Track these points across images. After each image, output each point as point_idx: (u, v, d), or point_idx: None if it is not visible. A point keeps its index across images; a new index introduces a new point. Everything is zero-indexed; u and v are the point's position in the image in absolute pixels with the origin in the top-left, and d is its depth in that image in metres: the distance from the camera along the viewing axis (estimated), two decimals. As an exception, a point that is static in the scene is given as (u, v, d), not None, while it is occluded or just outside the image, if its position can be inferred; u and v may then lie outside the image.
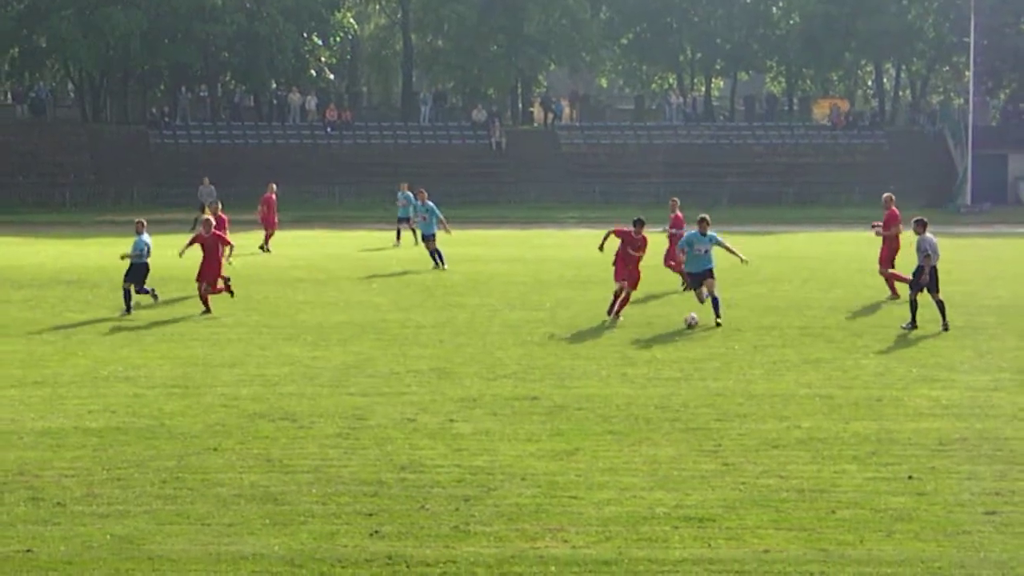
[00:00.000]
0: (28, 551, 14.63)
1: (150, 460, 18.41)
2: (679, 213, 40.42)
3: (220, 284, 34.33)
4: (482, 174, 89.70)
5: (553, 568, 14.17)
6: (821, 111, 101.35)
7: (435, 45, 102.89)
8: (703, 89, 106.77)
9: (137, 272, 34.37)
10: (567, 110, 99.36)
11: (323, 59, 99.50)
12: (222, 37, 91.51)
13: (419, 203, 49.16)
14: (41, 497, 16.58)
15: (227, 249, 34.76)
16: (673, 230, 39.34)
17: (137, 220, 35.83)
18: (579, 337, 29.17)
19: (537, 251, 52.56)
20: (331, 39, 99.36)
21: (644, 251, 32.34)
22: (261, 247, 52.09)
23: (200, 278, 33.89)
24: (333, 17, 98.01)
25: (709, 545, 14.89)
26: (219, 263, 34.09)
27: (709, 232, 32.17)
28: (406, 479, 17.44)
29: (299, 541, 14.98)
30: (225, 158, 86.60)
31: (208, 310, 33.36)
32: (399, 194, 57.47)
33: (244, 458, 18.54)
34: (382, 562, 14.36)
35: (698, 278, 31.98)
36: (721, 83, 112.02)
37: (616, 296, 31.98)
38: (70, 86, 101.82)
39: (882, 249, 36.32)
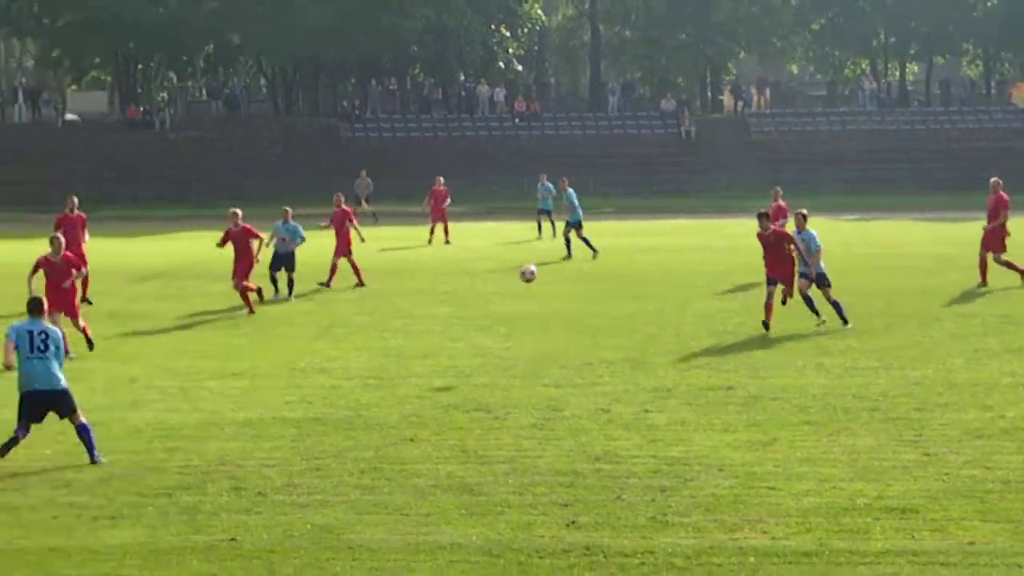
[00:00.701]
0: (232, 539, 14.85)
1: (348, 451, 18.58)
2: (781, 203, 39.54)
3: (252, 284, 33.22)
4: (671, 163, 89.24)
5: (752, 559, 14.01)
6: (1020, 95, 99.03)
7: (623, 35, 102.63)
8: (897, 74, 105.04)
9: (281, 260, 35.28)
10: (757, 97, 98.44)
11: (511, 51, 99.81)
12: (411, 30, 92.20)
13: (561, 192, 48.30)
14: (243, 487, 16.82)
15: (257, 243, 33.43)
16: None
17: (284, 208, 36.62)
18: (772, 327, 28.79)
19: (728, 240, 52.15)
20: (519, 30, 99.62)
21: (789, 244, 28.43)
22: (432, 241, 52.47)
23: (234, 275, 33.02)
24: (521, 8, 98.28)
25: (912, 536, 14.60)
26: (251, 258, 33.05)
27: (807, 229, 28.95)
28: (601, 469, 17.38)
29: (496, 531, 15.00)
30: (414, 151, 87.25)
31: (251, 309, 32.62)
32: (539, 185, 55.80)
33: (440, 449, 18.63)
34: (579, 552, 14.31)
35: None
36: (916, 68, 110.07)
37: (772, 299, 28.45)
38: (263, 81, 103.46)
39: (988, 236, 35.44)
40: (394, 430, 19.78)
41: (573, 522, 15.25)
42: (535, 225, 53.94)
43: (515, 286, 37.39)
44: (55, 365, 18.08)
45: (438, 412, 20.99)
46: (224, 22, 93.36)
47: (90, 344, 27.00)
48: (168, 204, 78.82)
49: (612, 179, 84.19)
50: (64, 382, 18.17)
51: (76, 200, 35.75)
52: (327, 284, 37.22)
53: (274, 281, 35.80)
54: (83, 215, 35.33)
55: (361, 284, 37.36)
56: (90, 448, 18.07)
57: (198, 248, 48.40)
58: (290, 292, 35.60)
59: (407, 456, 18.23)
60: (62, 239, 27.38)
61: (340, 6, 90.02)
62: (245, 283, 32.81)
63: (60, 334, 18.49)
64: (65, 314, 26.35)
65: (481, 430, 19.71)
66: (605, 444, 18.71)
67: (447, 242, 52.47)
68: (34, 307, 18.44)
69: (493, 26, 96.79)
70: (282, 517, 15.61)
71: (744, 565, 13.88)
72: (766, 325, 28.16)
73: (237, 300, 34.17)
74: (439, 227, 53.42)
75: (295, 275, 35.74)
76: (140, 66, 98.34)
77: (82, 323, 27.06)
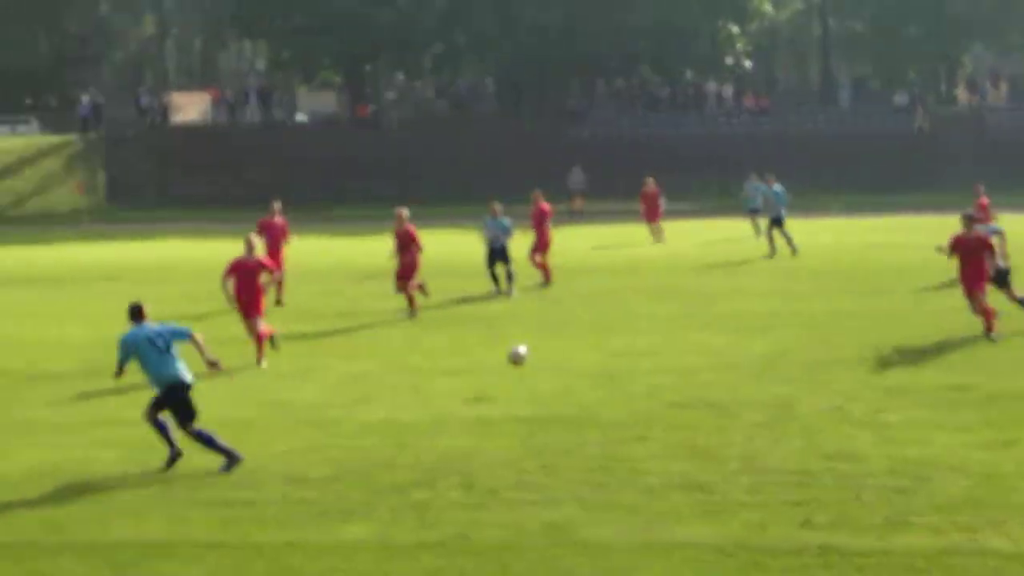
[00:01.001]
0: (463, 536, 14.88)
1: (577, 448, 18.51)
2: (984, 199, 38.41)
3: (416, 282, 32.42)
4: (904, 159, 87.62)
5: (993, 562, 13.62)
6: None
7: (854, 29, 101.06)
8: None
9: (496, 255, 35.60)
10: (994, 91, 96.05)
11: (739, 46, 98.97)
12: (637, 28, 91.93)
13: (768, 188, 47.51)
14: (473, 484, 16.85)
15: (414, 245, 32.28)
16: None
17: (492, 204, 36.63)
18: (1009, 326, 28.00)
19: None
20: (747, 26, 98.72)
21: (986, 249, 26.65)
22: (657, 240, 52.16)
23: (399, 277, 32.24)
24: (749, 4, 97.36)
25: None
26: (413, 259, 32.14)
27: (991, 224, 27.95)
28: (835, 468, 17.06)
29: (729, 530, 14.81)
30: (642, 149, 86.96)
31: (413, 310, 32.05)
32: (747, 185, 53.99)
33: (669, 447, 18.47)
34: (814, 552, 14.05)
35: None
36: None
37: (979, 312, 27.12)
38: (489, 81, 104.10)
39: None
40: (623, 428, 19.66)
41: (807, 521, 14.99)
42: (753, 224, 53.03)
43: (739, 283, 37.07)
44: (180, 362, 18.21)
45: (667, 410, 20.82)
46: (451, 22, 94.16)
47: (271, 342, 26.38)
48: (395, 203, 79.65)
49: (843, 174, 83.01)
50: (190, 378, 18.22)
51: (279, 206, 36.60)
52: (546, 283, 37.30)
53: (494, 277, 35.95)
54: (285, 221, 36.03)
55: (548, 282, 37.43)
56: (216, 447, 18.06)
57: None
58: (510, 284, 35.72)
59: (637, 454, 18.11)
60: (254, 241, 26.90)
61: (567, 5, 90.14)
62: (413, 283, 32.17)
63: (173, 329, 18.46)
64: (247, 316, 26.05)
65: (710, 428, 19.50)
66: (838, 443, 18.38)
67: (658, 242, 52.07)
68: (135, 313, 18.43)
69: (721, 22, 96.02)
70: (513, 514, 15.60)
71: (985, 568, 13.50)
72: (989, 329, 26.79)
73: (463, 297, 34.43)
74: (653, 227, 53.13)
75: (514, 267, 35.97)
76: (369, 66, 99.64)
77: (265, 328, 26.19)
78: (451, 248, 46.69)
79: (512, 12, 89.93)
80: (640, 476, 16.98)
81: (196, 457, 18.19)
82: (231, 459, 17.84)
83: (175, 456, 17.93)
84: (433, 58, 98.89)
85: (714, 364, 24.71)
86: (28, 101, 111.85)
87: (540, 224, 37.97)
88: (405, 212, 32.86)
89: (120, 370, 18.33)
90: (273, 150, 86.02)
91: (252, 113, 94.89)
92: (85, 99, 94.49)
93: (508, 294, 35.38)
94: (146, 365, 18.05)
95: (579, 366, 24.87)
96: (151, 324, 18.34)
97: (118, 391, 23.03)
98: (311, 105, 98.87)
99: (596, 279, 37.96)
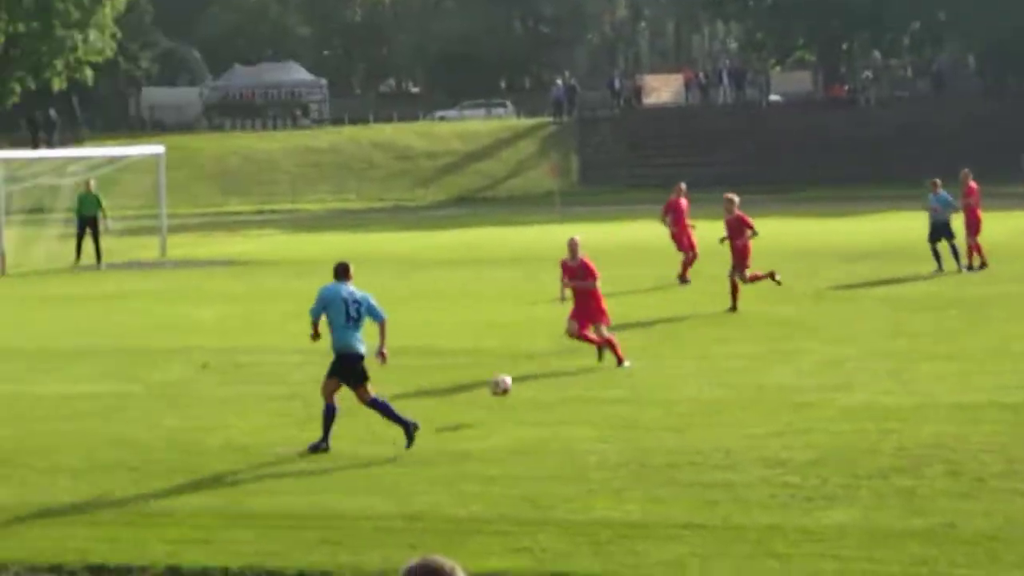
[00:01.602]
0: (950, 524, 14.29)
1: (1071, 438, 17.61)
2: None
3: (760, 272, 30.76)
4: None
5: None
6: None
7: None
8: None
9: (938, 230, 35.61)
10: None
11: None
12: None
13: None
14: (960, 471, 16.20)
15: (749, 232, 30.68)
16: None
17: (933, 180, 36.05)
18: None
19: None
20: None
21: None
22: None
23: (734, 267, 30.47)
24: None
25: None
26: (744, 248, 30.38)
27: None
28: None
29: None
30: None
31: (733, 306, 30.17)
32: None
33: None
34: None
35: None
36: None
37: None
38: (971, 58, 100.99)
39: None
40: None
41: None
42: None
43: None
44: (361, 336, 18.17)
45: None
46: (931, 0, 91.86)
47: (619, 361, 23.72)
48: (868, 184, 78.18)
49: None
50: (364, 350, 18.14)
51: (684, 186, 37.38)
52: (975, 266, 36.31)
53: (935, 253, 35.84)
54: (689, 201, 36.98)
55: (983, 265, 36.24)
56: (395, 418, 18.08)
57: (899, 228, 47.61)
58: (957, 259, 35.79)
59: None
60: (576, 240, 24.69)
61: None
62: (749, 274, 30.64)
63: (372, 305, 18.34)
64: (594, 323, 23.87)
65: None
66: None
67: None
68: (340, 272, 18.43)
69: None
70: (1002, 504, 14.91)
71: None
72: None
73: (949, 282, 33.47)
74: None
75: (956, 242, 35.89)
76: (844, 45, 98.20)
77: (607, 334, 23.88)
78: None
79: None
80: None
81: (670, 439, 18.13)
82: (407, 428, 17.99)
83: (410, 430, 18.03)
84: (911, 35, 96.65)
85: None
86: (503, 85, 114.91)
87: (971, 203, 37.00)
88: (735, 198, 31.89)
89: (315, 329, 18.41)
90: (745, 131, 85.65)
91: (725, 94, 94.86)
92: (559, 82, 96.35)
93: (962, 269, 35.60)
94: (331, 324, 18.13)
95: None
96: (353, 288, 18.39)
97: (591, 369, 23.23)
98: (784, 85, 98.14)
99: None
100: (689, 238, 36.01)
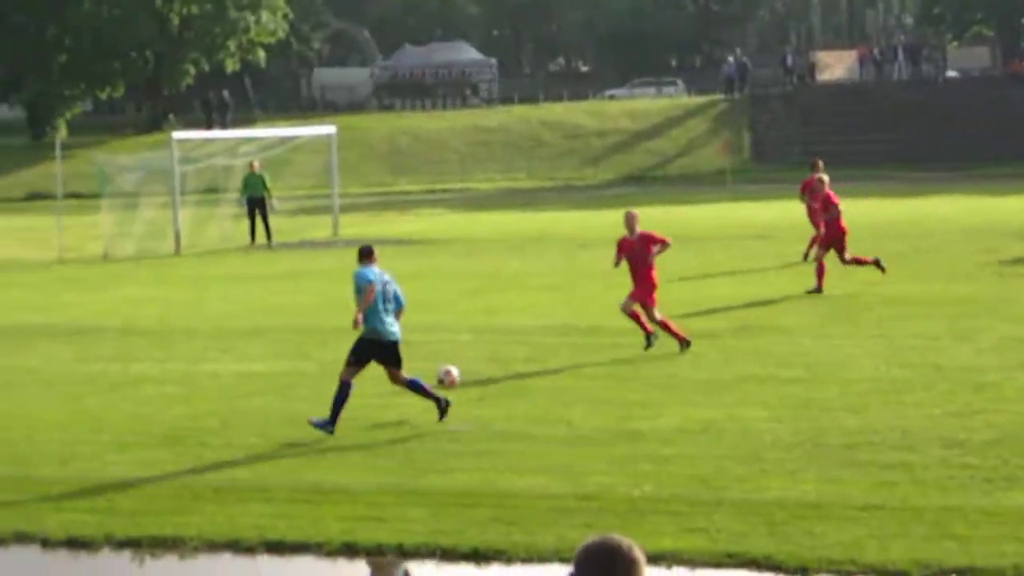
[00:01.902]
0: None
1: None
2: None
3: (866, 258, 29.84)
4: None
5: None
6: None
7: None
8: None
9: None
10: None
11: None
12: None
13: None
14: None
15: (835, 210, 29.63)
16: None
17: None
18: None
19: None
20: None
21: None
22: None
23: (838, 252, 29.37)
24: None
25: None
26: (838, 226, 29.30)
27: None
28: None
29: None
30: None
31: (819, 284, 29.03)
32: None
33: None
34: None
35: None
36: None
37: None
38: None
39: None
40: None
41: None
42: None
43: None
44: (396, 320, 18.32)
45: None
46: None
47: (683, 343, 23.08)
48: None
49: None
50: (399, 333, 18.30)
51: (821, 163, 35.49)
52: None
53: None
54: (823, 177, 34.99)
55: None
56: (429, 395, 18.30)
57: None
58: None
59: None
60: (635, 215, 23.31)
61: None
62: (849, 256, 29.60)
63: (398, 293, 18.51)
64: (642, 303, 23.04)
65: None
66: None
67: None
68: (365, 254, 18.49)
69: None
70: None
71: None
72: None
73: None
74: None
75: None
76: None
77: (659, 316, 23.10)
78: None
79: None
80: None
81: (847, 418, 17.86)
82: (439, 403, 18.30)
83: (443, 405, 18.29)
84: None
85: None
86: (673, 62, 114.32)
87: None
88: (825, 176, 30.92)
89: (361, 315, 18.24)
90: (921, 107, 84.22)
91: (900, 70, 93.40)
92: (730, 59, 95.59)
93: None
94: (368, 308, 18.13)
95: None
96: (383, 272, 18.57)
97: (765, 352, 22.94)
98: (960, 61, 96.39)
99: None
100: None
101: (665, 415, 18.60)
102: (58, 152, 50.94)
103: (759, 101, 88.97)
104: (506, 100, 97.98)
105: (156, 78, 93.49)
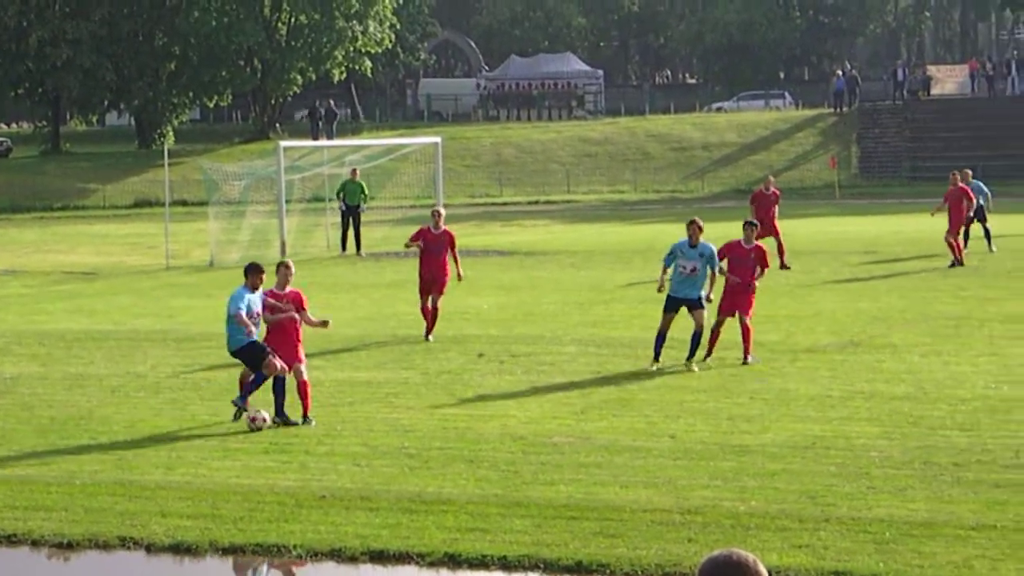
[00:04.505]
0: None
1: None
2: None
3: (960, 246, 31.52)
4: None
5: None
6: None
7: None
8: None
9: None
10: None
11: None
12: None
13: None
14: None
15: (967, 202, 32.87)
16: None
17: None
18: None
19: None
20: None
21: None
22: None
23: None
24: None
25: None
26: (960, 214, 30.95)
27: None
28: None
29: None
30: None
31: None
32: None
33: None
34: None
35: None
36: None
37: None
38: None
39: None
40: None
41: None
42: None
43: None
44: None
45: None
46: None
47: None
48: None
49: None
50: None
51: (969, 172, 38.07)
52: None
53: None
54: (777, 192, 39.35)
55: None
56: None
57: None
58: None
59: None
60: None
61: None
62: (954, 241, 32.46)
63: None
64: (432, 292, 26.99)
65: None
66: None
67: None
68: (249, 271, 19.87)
69: None
70: None
71: None
72: None
73: None
74: None
75: None
76: None
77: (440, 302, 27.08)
78: None
79: None
80: None
81: (957, 437, 17.55)
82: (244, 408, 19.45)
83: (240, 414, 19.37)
84: None
85: None
86: (781, 75, 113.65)
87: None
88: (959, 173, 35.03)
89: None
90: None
91: (1013, 85, 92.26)
92: (840, 73, 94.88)
93: None
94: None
95: None
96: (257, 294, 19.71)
97: (874, 368, 22.64)
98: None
99: None
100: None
101: (772, 430, 18.39)
102: (166, 159, 51.48)
103: (868, 115, 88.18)
104: (612, 112, 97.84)
105: (263, 87, 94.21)
